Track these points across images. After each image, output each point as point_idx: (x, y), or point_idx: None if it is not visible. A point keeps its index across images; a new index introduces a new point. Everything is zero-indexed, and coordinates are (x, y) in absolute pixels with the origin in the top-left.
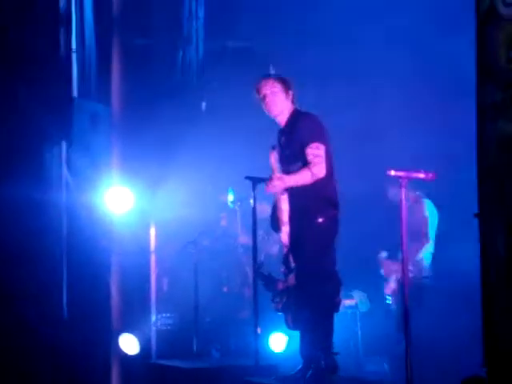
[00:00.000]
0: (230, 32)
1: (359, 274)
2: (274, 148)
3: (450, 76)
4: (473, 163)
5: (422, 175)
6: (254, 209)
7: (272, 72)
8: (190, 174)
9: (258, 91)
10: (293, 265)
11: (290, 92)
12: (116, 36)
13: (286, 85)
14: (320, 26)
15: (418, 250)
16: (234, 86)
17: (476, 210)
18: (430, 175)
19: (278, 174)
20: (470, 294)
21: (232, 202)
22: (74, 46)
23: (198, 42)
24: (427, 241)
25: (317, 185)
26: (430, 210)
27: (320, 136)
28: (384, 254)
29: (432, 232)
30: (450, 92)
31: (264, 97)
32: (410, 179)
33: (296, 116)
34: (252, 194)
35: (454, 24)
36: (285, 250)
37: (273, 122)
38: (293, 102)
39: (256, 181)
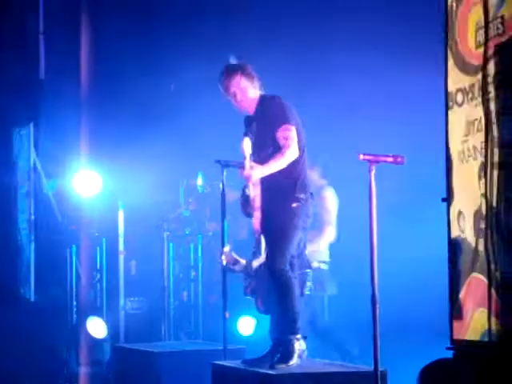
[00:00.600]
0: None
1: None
2: (246, 135)
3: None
4: (442, 148)
5: (390, 159)
6: (223, 193)
7: (233, 62)
8: (158, 157)
9: (226, 90)
10: (263, 249)
11: (255, 80)
12: (84, 14)
13: (252, 75)
14: None
15: (318, 236)
16: (204, 68)
17: (444, 195)
18: (399, 159)
19: (250, 162)
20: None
21: (201, 186)
22: (41, 28)
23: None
24: (327, 228)
25: (289, 167)
26: (333, 198)
27: (287, 117)
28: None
29: (334, 219)
30: (418, 78)
31: (234, 95)
32: (378, 163)
33: (262, 102)
34: (221, 178)
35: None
36: (256, 235)
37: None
38: (258, 87)
39: (225, 165)
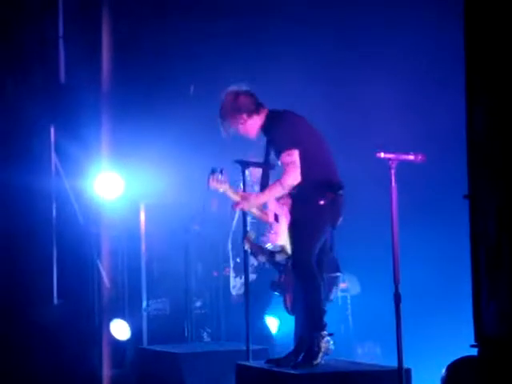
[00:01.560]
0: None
1: (349, 257)
2: (213, 172)
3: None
4: (463, 146)
5: (411, 157)
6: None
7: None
8: (179, 158)
9: (229, 127)
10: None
11: (257, 106)
12: (105, 20)
13: (249, 105)
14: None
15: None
16: (222, 69)
17: (466, 192)
18: (420, 157)
19: (242, 193)
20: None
21: None
22: (61, 32)
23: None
24: None
25: (310, 173)
26: None
27: (290, 140)
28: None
29: None
30: (439, 75)
31: (237, 131)
32: (399, 161)
33: (270, 120)
34: (241, 178)
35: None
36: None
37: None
38: (262, 110)
39: (245, 164)
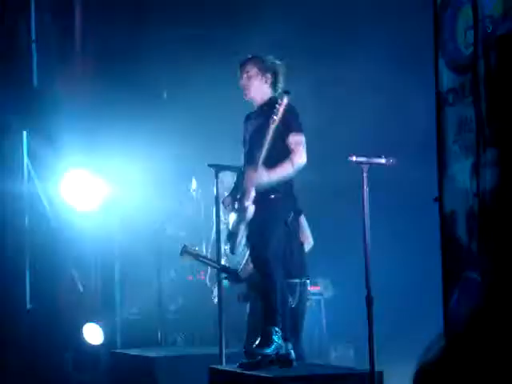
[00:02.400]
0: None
1: (322, 260)
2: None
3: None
4: (433, 149)
5: (382, 161)
6: (216, 197)
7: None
8: (152, 162)
9: (239, 72)
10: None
11: (268, 75)
12: (78, 22)
13: (264, 68)
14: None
15: None
16: (194, 75)
17: (436, 195)
18: (391, 161)
19: (255, 168)
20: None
21: (194, 190)
22: (33, 35)
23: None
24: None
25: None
26: None
27: (299, 125)
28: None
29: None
30: (409, 78)
31: (241, 79)
32: (371, 165)
33: (272, 103)
34: (215, 182)
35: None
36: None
37: (234, 109)
38: (271, 85)
39: (219, 168)
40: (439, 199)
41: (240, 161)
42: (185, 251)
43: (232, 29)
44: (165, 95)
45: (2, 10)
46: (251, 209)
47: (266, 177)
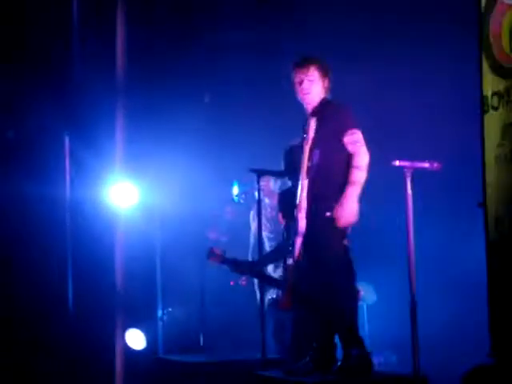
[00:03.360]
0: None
1: (364, 265)
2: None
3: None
4: (477, 153)
5: (426, 165)
6: (258, 201)
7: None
8: (194, 167)
9: (296, 74)
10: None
11: (326, 79)
12: (120, 29)
13: (324, 72)
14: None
15: None
16: (237, 79)
17: (481, 200)
18: (435, 165)
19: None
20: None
21: (237, 196)
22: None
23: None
24: None
25: (336, 172)
26: None
27: (353, 121)
28: None
29: None
30: (453, 82)
31: (301, 82)
32: (414, 169)
33: (326, 105)
34: (256, 187)
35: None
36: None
37: (277, 114)
38: (326, 89)
39: (260, 173)
40: (484, 204)
41: (280, 166)
42: (211, 254)
43: (275, 33)
44: (206, 100)
45: (44, 7)
46: (302, 224)
47: (349, 202)
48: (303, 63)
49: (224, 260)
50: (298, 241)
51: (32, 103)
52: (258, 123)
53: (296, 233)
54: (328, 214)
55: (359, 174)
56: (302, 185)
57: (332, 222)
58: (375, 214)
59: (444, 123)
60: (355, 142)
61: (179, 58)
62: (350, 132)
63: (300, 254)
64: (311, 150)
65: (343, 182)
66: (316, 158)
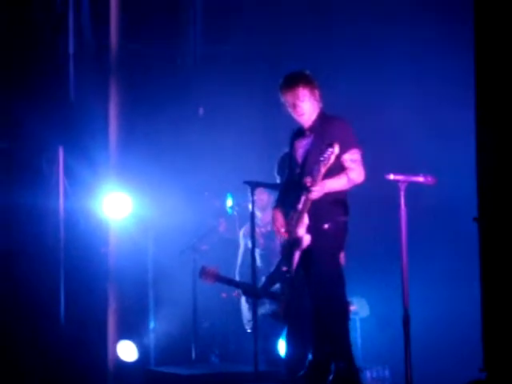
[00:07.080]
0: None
1: (357, 279)
2: (292, 147)
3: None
4: (472, 168)
5: (421, 179)
6: (252, 213)
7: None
8: (187, 179)
9: (285, 97)
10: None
11: (316, 90)
12: (113, 40)
13: (312, 85)
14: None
15: None
16: (230, 92)
17: (476, 215)
18: (430, 179)
19: (312, 180)
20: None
21: (230, 208)
22: (71, 50)
23: (195, 47)
24: None
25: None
26: None
27: (355, 141)
28: None
29: None
30: (447, 96)
31: (293, 105)
32: (408, 183)
33: (324, 118)
34: (250, 199)
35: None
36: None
37: (270, 127)
38: (319, 99)
39: (254, 185)
40: (478, 219)
41: (274, 179)
42: (203, 273)
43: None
44: (201, 112)
45: (42, 24)
46: (307, 239)
47: (322, 188)
48: (290, 84)
49: (219, 279)
50: (297, 254)
51: (26, 115)
52: (253, 136)
53: (292, 245)
54: (326, 226)
55: (343, 182)
56: (300, 199)
57: (330, 235)
58: (369, 227)
59: (443, 138)
60: (354, 160)
61: (173, 68)
62: (351, 151)
63: (298, 266)
64: (310, 165)
65: (341, 198)
66: (321, 171)
